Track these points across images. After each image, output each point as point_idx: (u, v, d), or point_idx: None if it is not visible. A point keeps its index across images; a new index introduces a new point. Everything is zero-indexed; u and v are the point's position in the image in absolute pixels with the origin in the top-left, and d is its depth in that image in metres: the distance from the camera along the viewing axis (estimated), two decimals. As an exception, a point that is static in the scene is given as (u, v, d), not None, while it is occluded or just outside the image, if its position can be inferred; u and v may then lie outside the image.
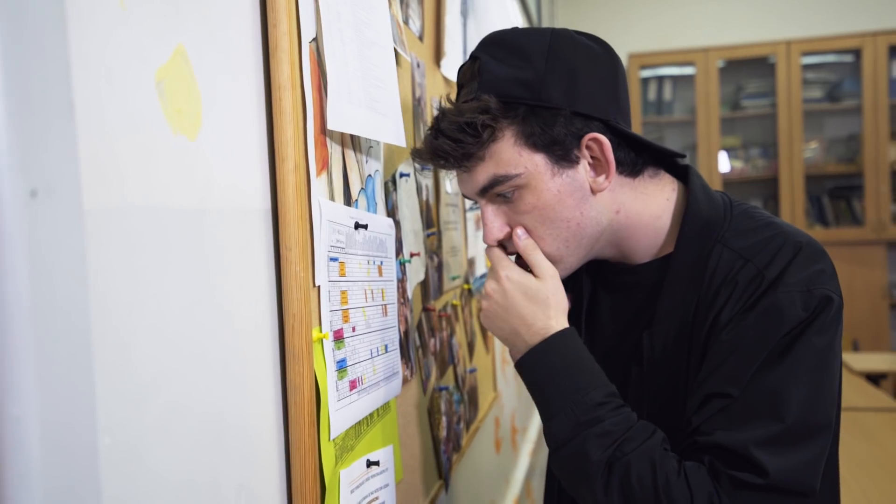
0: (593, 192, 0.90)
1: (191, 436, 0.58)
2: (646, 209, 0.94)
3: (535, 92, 0.86)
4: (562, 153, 0.87)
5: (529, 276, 0.91)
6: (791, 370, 0.80)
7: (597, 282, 1.04)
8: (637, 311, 0.96)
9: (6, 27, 0.37)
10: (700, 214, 0.91)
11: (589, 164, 0.89)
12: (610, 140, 0.88)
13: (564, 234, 0.90)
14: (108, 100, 0.47)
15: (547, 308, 0.90)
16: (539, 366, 0.89)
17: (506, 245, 0.95)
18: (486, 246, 0.96)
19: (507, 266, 0.93)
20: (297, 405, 0.75)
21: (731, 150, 5.19)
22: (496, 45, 0.90)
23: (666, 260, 0.93)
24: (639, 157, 0.93)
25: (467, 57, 1.59)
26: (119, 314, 0.47)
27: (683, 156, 0.98)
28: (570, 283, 1.03)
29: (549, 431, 0.87)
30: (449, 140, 0.87)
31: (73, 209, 0.41)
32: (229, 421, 0.64)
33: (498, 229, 0.92)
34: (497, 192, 0.90)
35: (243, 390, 0.67)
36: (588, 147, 0.88)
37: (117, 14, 0.50)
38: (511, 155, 0.87)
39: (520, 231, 0.91)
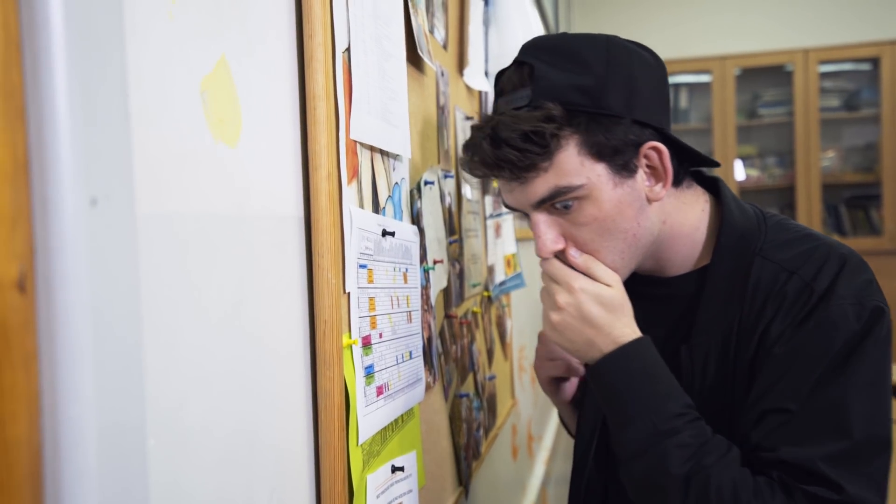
0: (649, 201, 0.88)
1: (228, 438, 0.59)
2: (686, 219, 0.93)
3: (596, 99, 0.83)
4: (622, 162, 0.85)
5: (601, 285, 0.88)
6: (851, 384, 0.79)
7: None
8: (673, 324, 0.94)
9: (71, 37, 0.38)
10: (735, 225, 0.90)
11: (646, 172, 0.88)
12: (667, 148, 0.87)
13: (621, 246, 0.88)
14: (157, 108, 0.49)
15: (622, 315, 0.88)
16: (617, 372, 0.86)
17: (559, 258, 0.91)
18: (540, 259, 0.92)
19: (578, 277, 0.88)
20: (328, 410, 0.76)
21: (747, 159, 5.18)
22: (549, 51, 0.86)
23: (703, 272, 0.92)
24: (681, 165, 0.92)
25: (491, 65, 1.61)
26: (165, 319, 0.49)
27: (718, 164, 0.98)
28: None
29: (623, 439, 0.85)
30: (514, 150, 0.83)
31: (128, 216, 0.42)
32: (263, 425, 0.65)
33: (552, 241, 0.88)
34: (556, 203, 0.86)
35: (276, 395, 0.68)
36: (646, 156, 0.86)
37: (166, 25, 0.51)
38: (574, 165, 0.84)
39: (573, 251, 0.88)
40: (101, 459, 0.39)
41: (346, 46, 0.82)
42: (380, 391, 0.90)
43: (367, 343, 0.87)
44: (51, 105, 0.37)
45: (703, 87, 5.21)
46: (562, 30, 4.28)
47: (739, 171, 5.09)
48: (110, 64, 0.41)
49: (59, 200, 0.38)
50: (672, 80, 5.19)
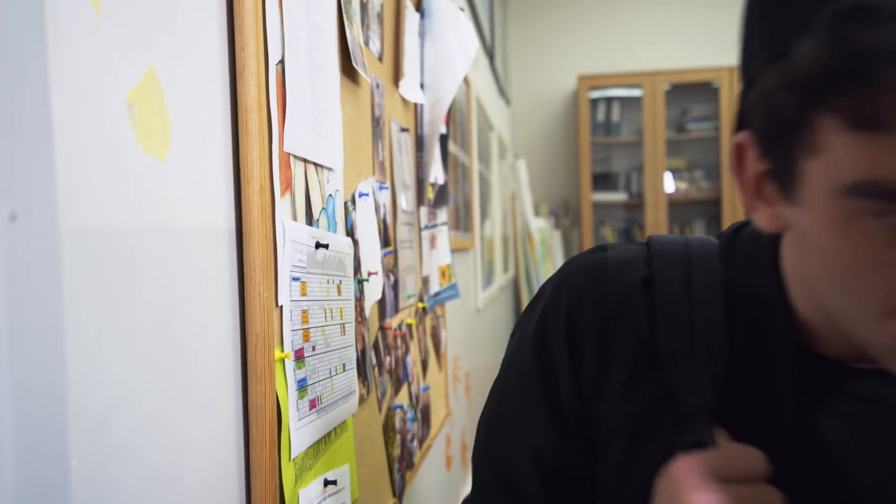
0: None
1: (156, 455, 0.58)
2: None
3: None
4: None
5: None
6: None
7: (808, 396, 0.61)
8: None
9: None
10: None
11: None
12: None
13: None
14: (82, 121, 0.48)
15: None
16: None
17: None
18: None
19: None
20: (259, 425, 0.75)
21: (675, 172, 5.33)
22: None
23: None
24: None
25: (427, 77, 1.62)
26: (90, 336, 0.47)
27: None
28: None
29: None
30: None
31: (51, 231, 0.41)
32: (192, 441, 0.64)
33: None
34: None
35: (206, 410, 0.67)
36: None
37: (91, 37, 0.50)
38: None
39: None
40: (20, 484, 0.38)
41: (280, 58, 0.82)
42: (312, 404, 0.90)
43: (299, 356, 0.86)
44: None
45: (635, 102, 5.34)
46: (498, 44, 4.32)
47: (669, 184, 5.23)
48: (29, 74, 0.40)
49: (-24, 216, 0.36)
50: (604, 93, 5.32)
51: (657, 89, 5.14)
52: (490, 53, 3.75)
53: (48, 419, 0.41)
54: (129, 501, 0.54)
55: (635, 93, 5.29)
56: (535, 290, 4.19)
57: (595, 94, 5.33)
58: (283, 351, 0.81)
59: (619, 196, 5.35)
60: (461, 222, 2.52)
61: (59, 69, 0.44)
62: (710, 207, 5.39)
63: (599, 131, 5.36)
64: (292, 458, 0.82)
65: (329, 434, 0.96)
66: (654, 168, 5.16)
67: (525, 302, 4.80)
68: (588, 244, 5.21)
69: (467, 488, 2.49)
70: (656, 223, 5.16)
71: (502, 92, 4.61)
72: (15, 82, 0.39)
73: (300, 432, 0.85)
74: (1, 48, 0.38)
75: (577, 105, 5.27)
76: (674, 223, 5.37)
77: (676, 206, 5.36)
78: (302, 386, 0.87)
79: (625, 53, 5.46)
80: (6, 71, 0.38)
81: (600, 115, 5.37)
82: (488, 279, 3.32)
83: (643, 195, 5.22)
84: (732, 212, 5.13)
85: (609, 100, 5.37)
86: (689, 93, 5.33)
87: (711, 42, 5.40)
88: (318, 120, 0.93)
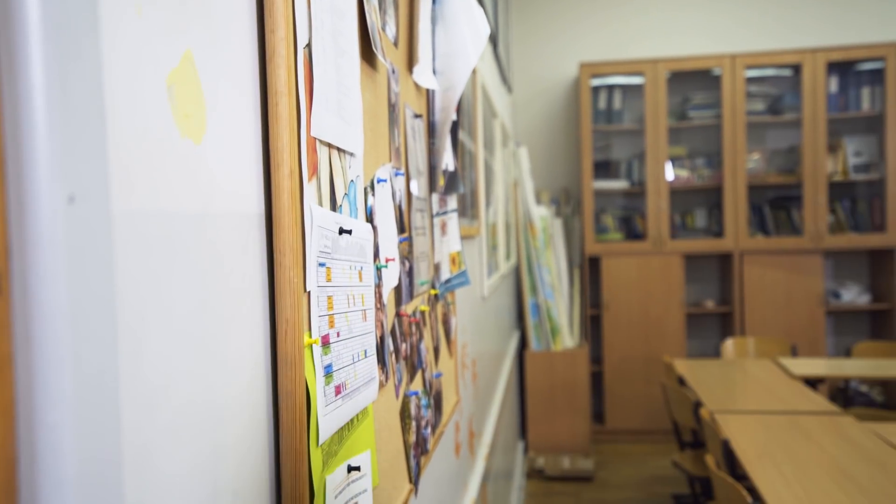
0: None
1: (194, 442, 0.58)
2: None
3: None
4: None
5: None
6: None
7: None
8: None
9: (48, 32, 0.36)
10: None
11: None
12: None
13: None
14: (127, 104, 0.47)
15: None
16: None
17: None
18: None
19: None
20: (289, 411, 0.75)
21: (677, 160, 5.32)
22: None
23: None
24: None
25: (439, 63, 1.61)
26: (136, 321, 0.47)
27: None
28: None
29: None
30: None
31: (104, 215, 0.41)
32: (226, 428, 0.64)
33: None
34: None
35: (238, 397, 0.67)
36: None
37: (135, 20, 0.49)
38: None
39: None
40: (80, 469, 0.37)
41: (307, 42, 0.81)
42: (338, 390, 0.90)
43: (325, 342, 0.86)
44: (27, 101, 0.36)
45: (636, 90, 5.33)
46: (501, 31, 4.31)
47: (669, 172, 5.23)
48: (85, 59, 0.40)
49: (35, 198, 0.36)
50: (606, 81, 5.31)
51: (659, 77, 5.13)
52: (493, 41, 3.74)
53: (103, 403, 0.41)
54: (170, 486, 0.54)
55: (637, 80, 5.28)
56: (537, 277, 4.20)
57: (596, 82, 5.32)
58: (311, 337, 0.81)
59: (620, 184, 5.35)
60: (468, 210, 2.52)
61: (109, 53, 0.43)
62: (711, 195, 5.39)
63: (601, 119, 5.35)
64: (320, 443, 0.82)
65: (352, 420, 0.96)
66: (656, 156, 5.15)
67: (527, 290, 4.81)
68: (589, 232, 5.21)
69: (475, 475, 2.50)
70: (657, 211, 5.16)
71: (505, 79, 4.60)
72: (71, 66, 0.38)
73: (327, 418, 0.84)
74: (57, 31, 0.37)
75: (579, 93, 5.26)
76: (675, 211, 5.37)
77: (677, 193, 5.36)
78: (328, 372, 0.86)
79: (626, 41, 5.45)
80: (63, 55, 0.37)
81: (602, 103, 5.36)
82: (492, 267, 3.32)
83: (644, 183, 5.22)
84: (734, 199, 5.13)
85: (610, 87, 5.36)
86: (691, 80, 5.32)
87: (712, 30, 5.39)
88: (342, 105, 0.93)
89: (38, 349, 0.36)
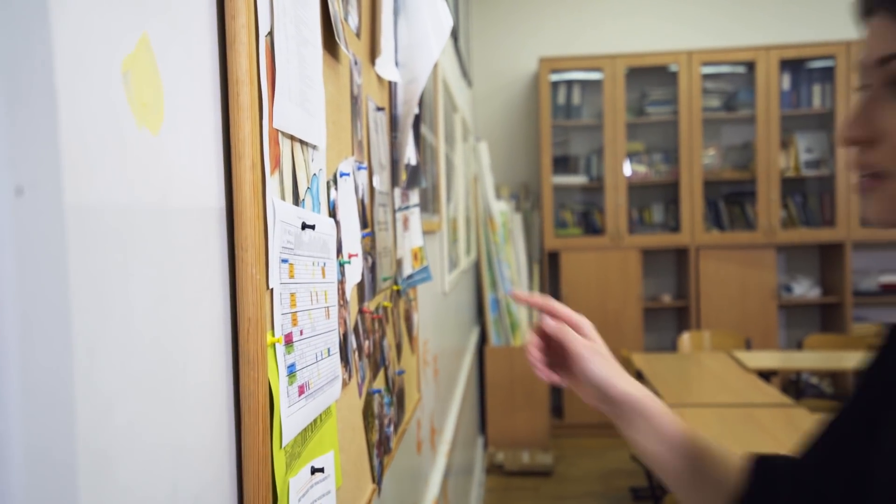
0: None
1: (154, 446, 0.55)
2: None
3: None
4: None
5: None
6: None
7: None
8: None
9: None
10: None
11: None
12: None
13: None
14: (81, 89, 0.44)
15: None
16: None
17: None
18: None
19: None
20: (252, 412, 0.72)
21: (634, 155, 5.37)
22: None
23: None
24: None
25: (401, 55, 1.58)
26: (91, 320, 0.44)
27: None
28: None
29: None
30: None
31: (56, 207, 0.38)
32: (187, 431, 0.61)
33: None
34: None
35: (199, 398, 0.64)
36: None
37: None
38: None
39: None
40: (29, 480, 0.35)
41: (269, 30, 0.78)
42: (301, 390, 0.87)
43: (288, 341, 0.83)
44: (-31, 81, 0.33)
45: (595, 85, 5.36)
46: (461, 25, 4.29)
47: (627, 167, 5.28)
48: (35, 38, 0.37)
49: (-21, 189, 0.33)
50: (565, 76, 5.33)
51: (617, 73, 5.17)
52: (454, 35, 3.72)
53: (55, 408, 0.38)
54: (126, 489, 0.51)
55: (595, 76, 5.31)
56: (497, 272, 4.20)
57: (556, 77, 5.33)
58: (273, 335, 0.78)
59: (578, 179, 5.38)
60: (429, 205, 2.50)
61: (60, 32, 0.40)
62: (669, 190, 5.46)
63: (560, 114, 5.37)
64: (283, 445, 0.79)
65: (315, 420, 0.94)
66: (614, 151, 5.19)
67: (487, 285, 4.81)
68: (548, 227, 5.23)
69: (436, 472, 2.49)
70: (615, 206, 5.21)
71: (465, 73, 4.58)
72: (19, 44, 0.35)
73: (290, 419, 0.82)
74: (3, 5, 0.34)
75: (538, 87, 5.27)
76: (633, 206, 5.42)
77: (635, 189, 5.41)
78: (291, 371, 0.84)
79: (585, 36, 5.48)
80: (9, 30, 0.34)
81: (561, 98, 5.38)
82: (452, 262, 3.31)
83: (603, 178, 5.26)
84: (690, 195, 5.19)
85: (569, 83, 5.38)
86: (648, 77, 5.37)
87: (670, 26, 5.44)
88: (305, 96, 0.90)
89: (-18, 354, 0.33)
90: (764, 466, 0.86)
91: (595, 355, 0.88)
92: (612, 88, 5.17)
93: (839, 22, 5.34)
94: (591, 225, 5.41)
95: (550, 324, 0.86)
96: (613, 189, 5.21)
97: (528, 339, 0.85)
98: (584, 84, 5.41)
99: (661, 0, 5.44)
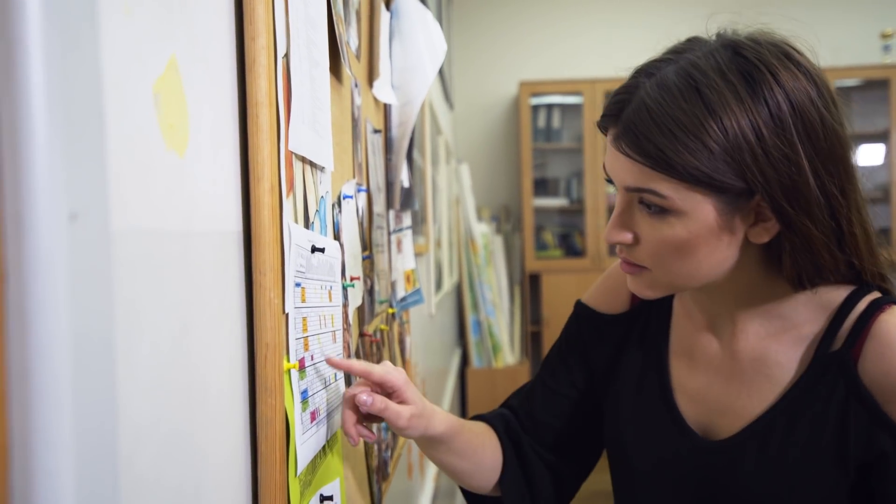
0: None
1: (178, 480, 0.53)
2: None
3: None
4: None
5: None
6: None
7: None
8: None
9: (48, 21, 0.32)
10: None
11: None
12: None
13: None
14: (119, 113, 0.43)
15: None
16: None
17: None
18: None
19: None
20: (269, 440, 0.71)
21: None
22: None
23: None
24: None
25: (396, 78, 1.58)
26: (127, 348, 0.43)
27: None
28: None
29: None
30: None
31: (103, 234, 0.36)
32: (209, 462, 0.60)
33: None
34: None
35: (220, 428, 0.62)
36: None
37: (124, 20, 0.45)
38: None
39: None
40: (78, 486, 0.33)
41: (285, 52, 0.77)
42: (313, 417, 0.85)
43: (301, 367, 0.82)
44: (26, 101, 0.32)
45: (575, 109, 5.40)
46: (443, 46, 4.29)
47: (607, 190, 5.31)
48: (86, 57, 0.36)
49: (35, 215, 0.32)
50: (545, 100, 5.37)
51: (597, 97, 5.21)
52: (437, 57, 3.73)
53: (101, 445, 0.36)
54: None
55: (575, 100, 5.36)
56: (478, 294, 4.18)
57: (536, 101, 5.37)
58: (289, 361, 0.77)
59: (559, 201, 5.41)
60: (418, 226, 2.49)
61: (106, 54, 0.39)
62: (648, 213, 5.50)
63: (540, 137, 5.40)
64: (298, 473, 0.78)
65: (324, 447, 0.92)
66: (594, 174, 5.22)
67: (468, 307, 4.80)
68: (529, 249, 5.25)
69: (425, 495, 2.44)
70: (596, 229, 5.23)
71: (447, 96, 4.60)
72: (72, 63, 0.34)
73: (304, 446, 0.80)
74: (59, 22, 0.33)
75: (519, 111, 5.30)
76: (613, 228, 5.45)
77: (615, 211, 5.44)
78: (304, 398, 0.82)
79: (565, 61, 5.53)
80: (65, 49, 0.33)
81: (541, 122, 5.42)
82: (438, 284, 3.30)
83: (583, 201, 5.29)
84: (669, 217, 5.23)
85: (549, 106, 5.42)
86: (627, 100, 5.42)
87: (649, 51, 5.51)
88: (315, 118, 0.89)
89: (37, 387, 0.32)
90: (501, 427, 1.09)
91: (413, 420, 0.90)
92: (591, 112, 5.21)
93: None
94: (571, 247, 5.43)
95: (367, 402, 0.86)
96: (594, 212, 5.24)
97: (345, 416, 0.89)
98: (564, 108, 5.45)
99: (638, 28, 5.52)
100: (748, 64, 0.77)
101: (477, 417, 1.13)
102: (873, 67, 5.10)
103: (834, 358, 0.85)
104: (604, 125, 0.86)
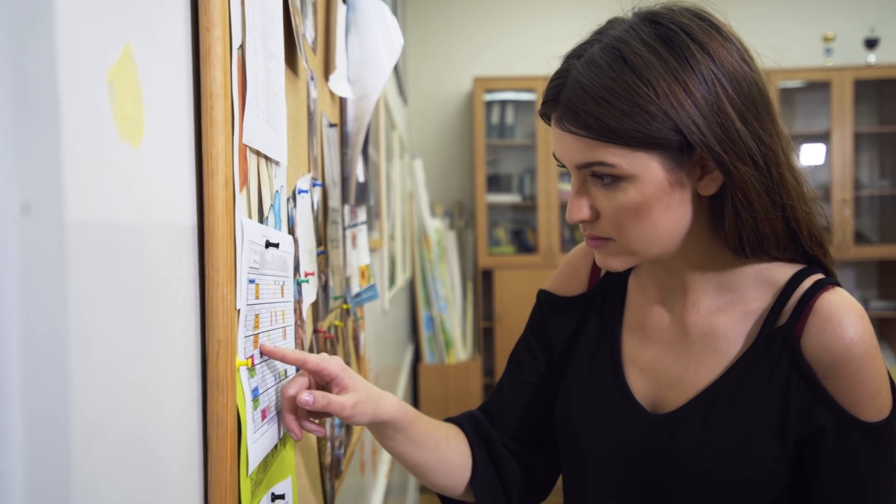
0: None
1: (132, 476, 0.52)
2: None
3: None
4: None
5: None
6: None
7: None
8: None
9: (1, 8, 0.31)
10: None
11: None
12: None
13: None
14: (74, 102, 0.41)
15: None
16: None
17: None
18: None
19: None
20: (220, 439, 0.69)
21: (567, 176, 5.46)
22: None
23: None
24: None
25: (352, 71, 1.57)
26: (84, 349, 0.41)
27: None
28: None
29: None
30: None
31: (58, 227, 0.35)
32: (162, 461, 0.58)
33: None
34: None
35: (174, 426, 0.61)
36: None
37: (77, 5, 0.44)
38: None
39: None
40: (27, 485, 0.32)
41: (241, 43, 0.76)
42: (264, 415, 0.84)
43: (252, 364, 0.81)
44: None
45: (528, 105, 5.44)
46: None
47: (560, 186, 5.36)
48: (39, 47, 0.34)
49: (-17, 208, 0.30)
50: (498, 96, 5.39)
51: (550, 94, 5.25)
52: (392, 51, 3.71)
53: (54, 443, 0.35)
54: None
55: (528, 97, 5.39)
56: (431, 290, 4.18)
57: (490, 97, 5.38)
58: (240, 358, 0.75)
59: (512, 198, 5.43)
60: (372, 222, 2.48)
61: (61, 39, 0.37)
62: (599, 211, 5.56)
63: (494, 133, 5.42)
64: (250, 472, 0.76)
65: (276, 445, 0.91)
66: (547, 171, 5.27)
67: (421, 303, 4.80)
68: (482, 245, 5.27)
69: (377, 492, 2.43)
70: (548, 225, 5.28)
71: (402, 91, 4.59)
72: (26, 47, 0.33)
73: (255, 445, 0.79)
74: (9, 8, 0.32)
75: (473, 107, 5.31)
76: (564, 226, 5.50)
77: (565, 207, 5.49)
78: (255, 395, 0.81)
79: (519, 58, 5.55)
80: (17, 30, 0.32)
81: (495, 118, 5.44)
82: (392, 279, 3.29)
83: (536, 197, 5.32)
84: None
85: (503, 103, 5.44)
86: (580, 99, 5.47)
87: (601, 50, 5.56)
88: (270, 111, 0.88)
89: (-15, 386, 0.30)
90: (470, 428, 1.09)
91: (358, 407, 0.90)
92: (545, 109, 5.24)
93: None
94: (524, 243, 5.47)
95: (308, 401, 0.85)
96: (546, 208, 5.28)
97: (285, 418, 0.88)
98: (518, 104, 5.48)
99: (592, 23, 5.57)
100: (665, 29, 0.83)
101: (446, 420, 1.13)
102: (816, 70, 5.25)
103: (778, 333, 0.88)
104: (545, 112, 0.91)
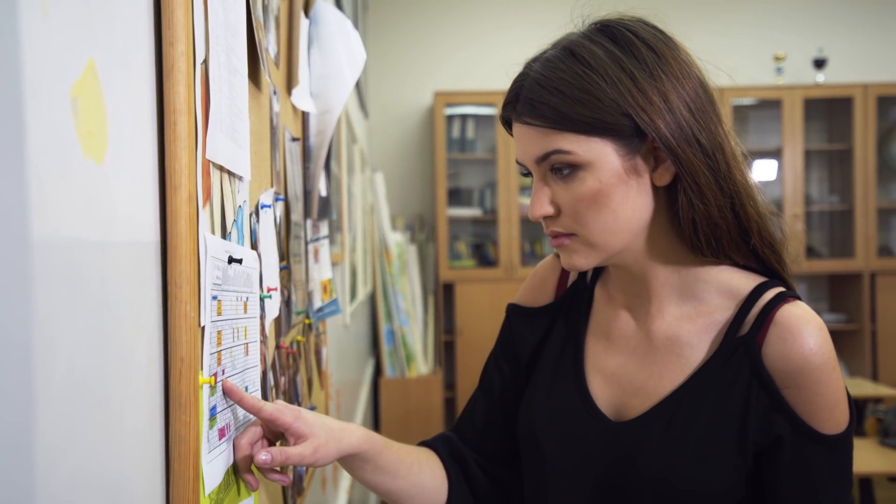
0: None
1: (95, 494, 0.51)
2: None
3: None
4: None
5: None
6: None
7: None
8: None
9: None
10: None
11: None
12: None
13: None
14: (38, 117, 0.41)
15: None
16: None
17: None
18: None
19: None
20: (182, 459, 0.68)
21: (526, 189, 5.50)
22: None
23: None
24: None
25: (315, 85, 1.57)
26: (46, 370, 0.41)
27: None
28: None
29: None
30: None
31: (23, 243, 0.34)
32: (125, 481, 0.57)
33: None
34: None
35: (136, 447, 0.60)
36: None
37: (41, 21, 0.43)
38: None
39: None
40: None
41: (204, 58, 0.75)
42: (222, 433, 0.83)
43: (214, 381, 0.79)
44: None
45: (488, 120, 5.48)
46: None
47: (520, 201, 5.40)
48: (3, 57, 0.34)
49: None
50: (459, 111, 5.42)
51: (510, 109, 5.29)
52: (353, 65, 3.71)
53: (17, 447, 0.34)
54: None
55: (489, 111, 5.43)
56: (392, 304, 4.16)
57: (450, 111, 5.41)
58: (203, 376, 0.74)
59: (472, 212, 5.46)
60: (334, 235, 2.47)
61: (26, 58, 0.37)
62: (558, 224, 5.61)
63: (454, 147, 5.44)
64: (208, 493, 0.75)
65: (235, 464, 0.89)
66: (508, 185, 5.30)
67: (382, 316, 4.78)
68: (443, 259, 5.27)
69: (339, 509, 2.38)
70: (509, 239, 5.31)
71: (363, 105, 4.58)
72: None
73: (212, 465, 0.78)
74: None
75: (434, 121, 5.33)
76: (524, 239, 5.54)
77: (527, 222, 5.54)
78: (213, 414, 0.80)
79: (479, 72, 5.59)
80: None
81: (455, 132, 5.46)
82: (353, 293, 3.27)
83: (496, 211, 5.35)
84: (579, 229, 5.35)
85: (464, 117, 5.47)
86: (540, 114, 5.52)
87: (561, 66, 5.63)
88: (234, 126, 0.87)
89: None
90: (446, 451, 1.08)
91: (319, 452, 0.87)
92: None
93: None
94: (484, 257, 5.49)
95: (266, 461, 0.83)
96: (507, 222, 5.32)
97: (243, 476, 0.87)
98: (479, 118, 5.51)
99: (551, 38, 5.64)
100: (613, 29, 0.90)
101: (420, 444, 1.13)
102: (767, 88, 5.39)
103: (740, 342, 0.90)
104: (506, 115, 0.95)
